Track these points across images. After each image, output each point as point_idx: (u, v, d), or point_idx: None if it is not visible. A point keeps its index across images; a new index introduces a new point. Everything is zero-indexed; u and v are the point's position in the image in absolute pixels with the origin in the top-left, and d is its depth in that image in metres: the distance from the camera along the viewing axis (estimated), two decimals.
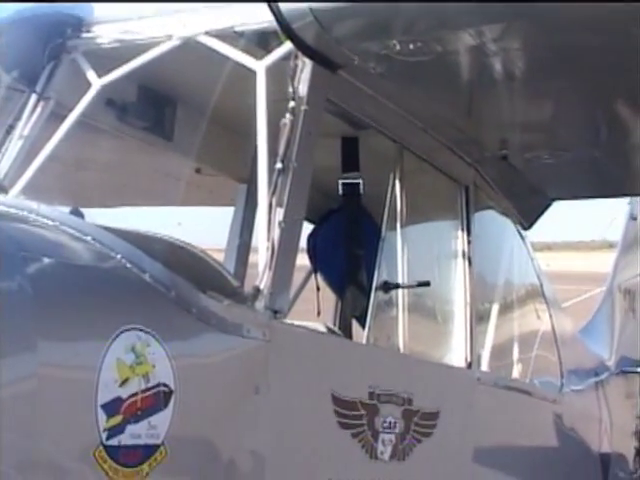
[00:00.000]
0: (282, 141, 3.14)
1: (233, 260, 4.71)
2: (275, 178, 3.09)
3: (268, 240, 3.03)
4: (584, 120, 4.35)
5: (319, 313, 5.23)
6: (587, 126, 4.43)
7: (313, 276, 5.41)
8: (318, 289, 5.43)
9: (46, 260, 2.40)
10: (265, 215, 3.07)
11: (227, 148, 4.49)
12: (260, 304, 2.94)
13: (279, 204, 3.07)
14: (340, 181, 4.79)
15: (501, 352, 5.12)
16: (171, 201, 5.69)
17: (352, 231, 4.78)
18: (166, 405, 2.50)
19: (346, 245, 4.78)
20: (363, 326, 3.87)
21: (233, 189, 5.03)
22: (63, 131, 3.53)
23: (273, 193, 3.07)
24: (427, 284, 4.04)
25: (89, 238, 2.64)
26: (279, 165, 3.10)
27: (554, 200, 5.64)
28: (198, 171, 4.99)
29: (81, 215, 3.09)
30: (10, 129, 3.60)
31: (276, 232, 3.04)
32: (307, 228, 5.48)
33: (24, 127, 3.59)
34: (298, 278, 5.84)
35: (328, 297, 5.45)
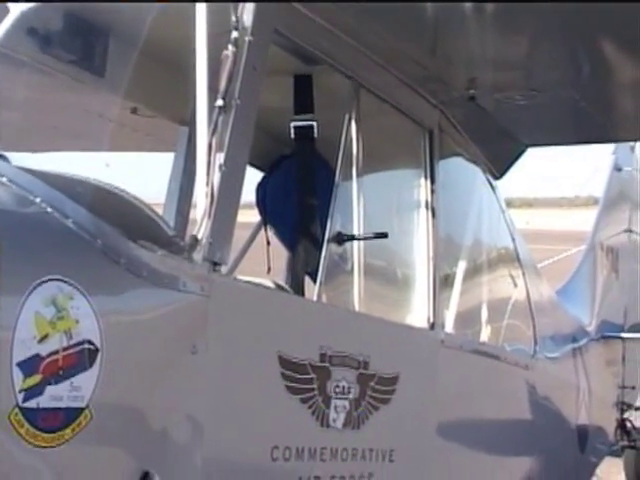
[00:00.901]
0: (223, 76, 3.12)
1: (173, 210, 4.69)
2: (215, 117, 3.08)
3: (207, 185, 3.03)
4: (562, 57, 4.37)
5: (269, 270, 5.25)
6: (565, 64, 4.45)
7: (263, 229, 5.42)
8: (268, 243, 5.44)
9: None
10: (204, 157, 3.06)
11: (166, 86, 4.45)
12: (198, 255, 2.94)
13: (220, 146, 3.06)
14: (292, 124, 4.78)
15: (468, 313, 5.17)
16: (104, 145, 5.65)
17: (305, 179, 4.77)
18: (91, 365, 2.50)
19: (299, 194, 4.77)
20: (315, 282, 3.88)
21: (174, 132, 5.01)
22: None
23: (213, 133, 3.06)
24: (385, 236, 4.06)
25: (4, 179, 2.62)
26: (220, 102, 3.10)
27: (528, 146, 5.68)
28: (134, 111, 4.95)
29: (6, 160, 3.05)
30: None
31: (216, 176, 3.03)
32: (256, 177, 5.49)
33: None
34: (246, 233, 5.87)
35: (279, 253, 5.46)
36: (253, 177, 5.47)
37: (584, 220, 9.99)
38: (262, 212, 5.37)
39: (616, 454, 9.95)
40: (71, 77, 4.24)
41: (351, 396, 3.62)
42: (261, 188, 5.32)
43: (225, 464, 3.04)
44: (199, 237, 2.97)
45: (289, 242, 5.17)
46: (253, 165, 5.51)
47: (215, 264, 2.98)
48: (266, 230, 5.40)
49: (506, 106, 4.84)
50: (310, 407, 3.40)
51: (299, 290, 4.74)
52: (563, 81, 4.67)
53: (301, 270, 4.69)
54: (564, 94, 4.79)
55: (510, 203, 6.13)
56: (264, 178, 5.36)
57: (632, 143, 10.50)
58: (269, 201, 5.27)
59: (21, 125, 4.83)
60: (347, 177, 4.05)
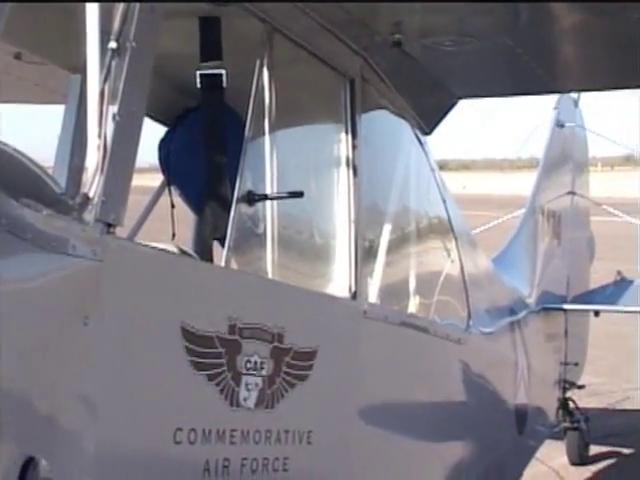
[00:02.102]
0: (117, 16, 3.09)
1: (64, 167, 4.64)
2: (108, 61, 3.05)
3: (99, 137, 3.00)
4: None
5: (174, 235, 5.23)
6: (500, 7, 4.47)
7: (167, 190, 5.40)
8: (173, 206, 5.42)
9: None
10: (96, 106, 3.03)
11: (54, 28, 4.37)
12: (89, 215, 2.91)
13: (113, 93, 3.03)
14: (198, 72, 4.75)
15: (395, 283, 5.22)
16: None
17: (213, 134, 4.75)
18: None
19: (206, 151, 4.75)
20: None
21: (65, 81, 4.95)
22: None
23: (105, 79, 3.03)
24: (300, 195, 4.07)
25: None
26: (113, 45, 3.06)
27: (460, 98, 5.73)
28: (18, 57, 4.88)
29: None
30: None
31: (109, 127, 3.01)
32: (160, 132, 5.46)
33: None
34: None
35: (186, 216, 5.44)
36: (155, 132, 5.46)
37: (526, 184, 10.10)
38: (165, 172, 5.33)
39: (558, 436, 10.18)
40: None
41: (264, 372, 3.63)
42: (164, 145, 5.28)
43: (121, 448, 3.04)
44: (90, 195, 2.94)
45: (196, 204, 5.15)
46: (155, 119, 5.49)
47: (109, 225, 2.96)
48: (170, 192, 5.37)
49: (435, 53, 4.87)
50: (218, 385, 3.40)
51: (206, 257, 4.74)
52: (498, 26, 4.71)
53: (209, 235, 4.69)
54: (499, 41, 4.83)
55: (445, 165, 6.18)
56: (168, 133, 5.32)
57: (575, 97, 10.67)
58: (173, 159, 5.22)
59: None
60: (259, 131, 4.05)
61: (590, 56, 5.17)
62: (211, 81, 4.72)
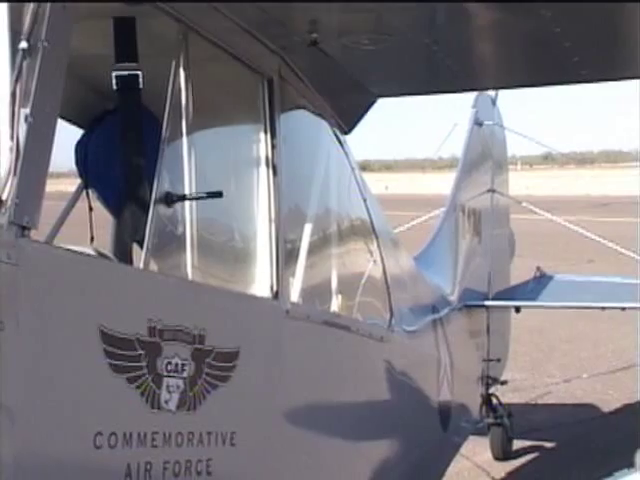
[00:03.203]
0: (27, 15, 3.04)
1: None
2: (19, 61, 3.00)
3: (12, 139, 2.95)
4: None
5: (92, 239, 5.18)
6: (416, 5, 4.48)
7: (84, 193, 5.34)
8: (91, 209, 5.36)
9: None
10: (8, 107, 2.98)
11: None
12: (3, 218, 2.87)
13: (26, 94, 2.99)
14: (114, 73, 4.70)
15: (317, 282, 5.22)
16: None
17: (131, 136, 4.69)
18: None
19: (124, 153, 4.70)
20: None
21: None
22: None
23: (17, 80, 2.99)
24: (219, 195, 4.05)
25: None
26: (24, 45, 3.01)
27: (379, 97, 5.75)
28: None
29: None
30: None
31: (22, 129, 2.96)
32: (76, 134, 5.40)
33: None
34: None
35: (104, 220, 5.39)
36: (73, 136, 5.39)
37: (447, 184, 10.19)
38: (83, 174, 5.26)
39: (482, 432, 10.28)
40: None
41: (185, 374, 3.60)
42: (81, 147, 5.21)
43: (40, 455, 2.99)
44: (3, 198, 2.89)
45: (114, 207, 5.09)
46: (72, 121, 5.42)
47: (23, 228, 2.92)
48: (87, 195, 5.31)
49: (353, 52, 4.88)
50: (138, 387, 3.37)
51: (125, 260, 4.69)
52: (415, 25, 4.73)
53: (128, 238, 4.65)
54: (416, 39, 4.85)
55: (368, 166, 6.20)
56: (84, 136, 5.25)
57: (493, 96, 10.79)
58: (90, 162, 5.16)
59: None
60: (176, 132, 4.02)
61: (506, 54, 5.22)
62: (127, 82, 4.66)
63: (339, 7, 4.41)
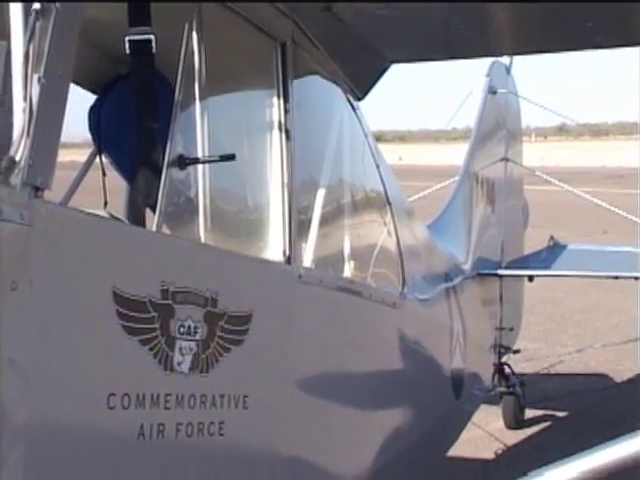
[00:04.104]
0: None
1: None
2: (32, 22, 3.00)
3: (25, 100, 2.96)
4: None
5: (106, 204, 5.18)
6: None
7: (97, 158, 5.35)
8: (104, 174, 5.38)
9: None
10: (20, 69, 2.99)
11: None
12: (16, 179, 2.87)
13: (39, 55, 2.98)
14: (127, 38, 4.69)
15: (330, 248, 5.21)
16: None
17: (144, 100, 4.68)
18: None
19: (137, 118, 4.69)
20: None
21: None
22: None
23: (30, 41, 2.99)
24: (232, 158, 4.04)
25: None
26: (37, 5, 3.01)
27: (392, 62, 5.73)
28: None
29: None
30: None
31: (35, 90, 2.96)
32: (89, 99, 5.40)
33: None
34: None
35: (118, 187, 5.40)
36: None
37: (461, 155, 10.15)
38: (96, 139, 5.28)
39: (494, 401, 10.29)
40: None
41: (198, 337, 3.61)
42: (95, 112, 5.23)
43: (54, 415, 3.01)
44: (17, 158, 2.90)
45: (128, 172, 5.11)
46: (85, 87, 5.43)
47: (37, 189, 2.92)
48: (101, 159, 5.33)
49: (367, 18, 4.86)
50: (151, 349, 3.38)
51: (139, 224, 4.70)
52: None
53: (141, 202, 4.64)
54: (429, 4, 4.83)
55: (382, 137, 6.17)
56: (97, 101, 5.27)
57: (507, 64, 10.73)
58: (104, 126, 5.18)
59: None
60: (189, 96, 4.02)
61: (520, 19, 5.19)
62: (140, 47, 4.65)
63: None
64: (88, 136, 5.41)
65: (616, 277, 10.15)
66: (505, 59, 10.73)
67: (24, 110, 2.95)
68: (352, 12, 4.80)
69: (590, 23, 5.04)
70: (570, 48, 5.88)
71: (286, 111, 4.50)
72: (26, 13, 3.01)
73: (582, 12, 4.88)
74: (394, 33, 5.24)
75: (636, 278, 9.83)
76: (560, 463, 3.35)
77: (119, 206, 5.41)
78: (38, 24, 3.00)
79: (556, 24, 5.18)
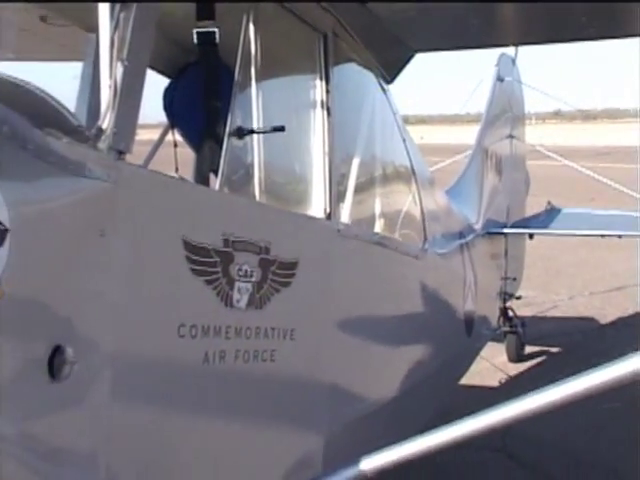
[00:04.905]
0: None
1: (84, 109, 4.55)
2: (117, 13, 2.97)
3: (111, 78, 2.94)
4: None
5: (177, 169, 5.17)
6: None
7: (170, 132, 5.35)
8: (176, 145, 5.37)
9: None
10: (107, 53, 2.97)
11: None
12: (103, 144, 2.85)
13: (122, 41, 2.96)
14: (195, 30, 4.67)
15: (363, 207, 5.18)
16: (16, 55, 5.43)
17: (210, 84, 4.70)
18: (1, 244, 2.42)
19: (204, 98, 4.70)
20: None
21: (84, 40, 4.85)
22: None
23: (115, 29, 2.96)
24: (282, 129, 4.01)
25: None
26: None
27: (416, 52, 5.66)
28: (43, 19, 4.77)
29: None
30: None
31: (119, 70, 2.94)
32: (163, 83, 5.39)
33: None
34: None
35: (187, 155, 5.40)
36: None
37: (473, 135, 10.05)
38: (169, 116, 5.28)
39: (499, 339, 10.26)
40: None
41: (253, 279, 3.59)
42: (168, 94, 5.23)
43: (134, 340, 3.01)
44: (104, 127, 2.88)
45: (195, 143, 5.11)
46: (160, 72, 5.41)
47: (120, 152, 2.91)
48: (173, 133, 5.32)
49: (395, 12, 4.79)
50: (215, 288, 3.37)
51: (204, 185, 4.68)
52: None
53: (206, 168, 4.65)
54: (449, 1, 4.76)
55: (406, 120, 6.11)
56: (171, 84, 5.26)
57: (513, 56, 10.60)
58: (176, 106, 5.18)
59: None
60: (246, 78, 3.99)
61: (524, 13, 5.10)
62: (206, 38, 4.65)
63: None
64: (161, 118, 5.41)
65: (602, 236, 10.09)
66: (511, 52, 10.63)
67: (110, 87, 2.93)
68: (383, 7, 4.73)
69: (584, 18, 4.94)
70: (567, 39, 5.76)
71: (327, 92, 4.46)
72: (112, 7, 2.99)
73: (577, 8, 4.79)
74: (418, 26, 5.17)
75: (619, 236, 9.75)
76: (553, 386, 3.32)
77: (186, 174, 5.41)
78: (122, 15, 2.97)
79: (554, 19, 5.10)
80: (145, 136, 5.02)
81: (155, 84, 5.15)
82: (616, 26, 5.16)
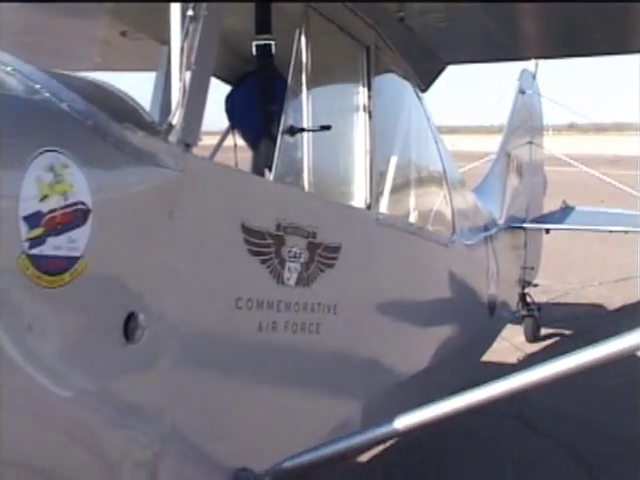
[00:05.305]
0: None
1: (157, 108, 4.58)
2: (187, 24, 2.98)
3: (180, 81, 2.95)
4: None
5: (236, 166, 5.18)
6: None
7: (231, 134, 5.36)
8: (235, 145, 5.38)
9: None
10: (178, 59, 2.98)
11: (150, 7, 4.29)
12: (173, 137, 2.87)
13: (191, 48, 2.97)
14: (254, 43, 4.67)
15: (399, 200, 5.16)
16: (101, 66, 5.48)
17: (266, 91, 4.68)
18: (84, 222, 2.45)
19: (261, 103, 4.69)
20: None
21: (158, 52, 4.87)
22: None
23: (185, 38, 2.97)
24: (328, 128, 4.00)
25: (9, 69, 2.53)
26: (190, 12, 2.99)
27: (448, 64, 5.61)
28: (124, 34, 4.80)
29: None
30: None
31: (187, 74, 2.95)
32: (225, 90, 5.40)
33: None
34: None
35: (245, 157, 5.41)
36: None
37: (496, 143, 9.97)
38: (230, 119, 5.30)
39: (517, 322, 10.17)
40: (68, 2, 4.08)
41: (302, 260, 3.59)
42: (230, 99, 5.25)
43: (198, 310, 3.02)
44: (173, 123, 2.90)
45: (253, 143, 5.11)
46: (223, 80, 5.43)
47: (187, 145, 2.93)
48: (233, 134, 5.34)
49: (429, 27, 4.76)
50: (268, 267, 3.38)
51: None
52: (478, 7, 4.58)
53: (262, 164, 4.65)
54: (478, 18, 4.71)
55: (439, 130, 6.07)
56: (232, 91, 5.27)
57: (533, 71, 10.47)
58: (236, 110, 5.20)
59: (23, 48, 4.67)
60: (298, 84, 3.99)
61: (545, 30, 5.03)
62: (263, 50, 4.63)
63: None
64: (222, 126, 5.42)
65: (611, 231, 9.99)
66: (532, 67, 10.50)
67: (179, 89, 2.94)
68: (419, 23, 4.70)
69: (597, 34, 4.87)
70: (582, 54, 5.68)
71: (369, 97, 4.45)
72: (182, 19, 3.00)
73: (591, 25, 4.71)
74: (448, 40, 5.13)
75: (626, 232, 9.65)
76: (564, 357, 3.32)
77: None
78: (191, 26, 2.98)
79: (571, 35, 5.03)
80: (208, 142, 5.05)
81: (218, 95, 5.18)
82: (627, 42, 5.08)
